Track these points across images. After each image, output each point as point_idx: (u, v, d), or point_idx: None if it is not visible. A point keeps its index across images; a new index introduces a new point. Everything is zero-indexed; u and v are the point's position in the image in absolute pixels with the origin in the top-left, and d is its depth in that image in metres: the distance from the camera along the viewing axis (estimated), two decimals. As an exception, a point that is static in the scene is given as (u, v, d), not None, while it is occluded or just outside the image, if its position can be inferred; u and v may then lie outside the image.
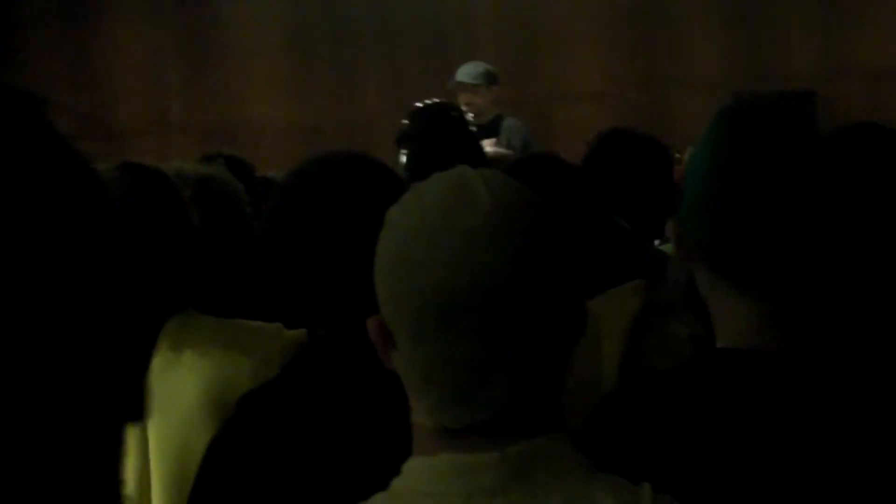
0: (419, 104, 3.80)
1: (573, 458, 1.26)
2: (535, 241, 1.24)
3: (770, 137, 1.48)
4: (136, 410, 0.80)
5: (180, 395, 2.10)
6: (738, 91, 8.33)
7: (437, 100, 3.94)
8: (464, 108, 6.43)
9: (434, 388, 1.24)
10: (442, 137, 3.59)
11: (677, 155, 6.17)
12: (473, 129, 3.74)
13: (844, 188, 1.52)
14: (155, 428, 2.15)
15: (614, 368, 2.01)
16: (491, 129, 6.31)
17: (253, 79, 9.36)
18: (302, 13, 9.26)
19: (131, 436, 2.32)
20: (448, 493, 1.24)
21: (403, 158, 3.57)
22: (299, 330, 2.23)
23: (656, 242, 3.20)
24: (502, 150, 5.85)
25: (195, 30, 9.48)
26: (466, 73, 6.63)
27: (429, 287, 1.22)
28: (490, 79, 6.62)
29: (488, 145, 6.19)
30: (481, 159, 3.64)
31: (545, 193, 1.32)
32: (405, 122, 3.66)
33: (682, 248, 1.54)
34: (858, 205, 1.67)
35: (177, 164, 2.64)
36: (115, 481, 0.78)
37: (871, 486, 1.39)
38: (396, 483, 1.29)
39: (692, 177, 1.53)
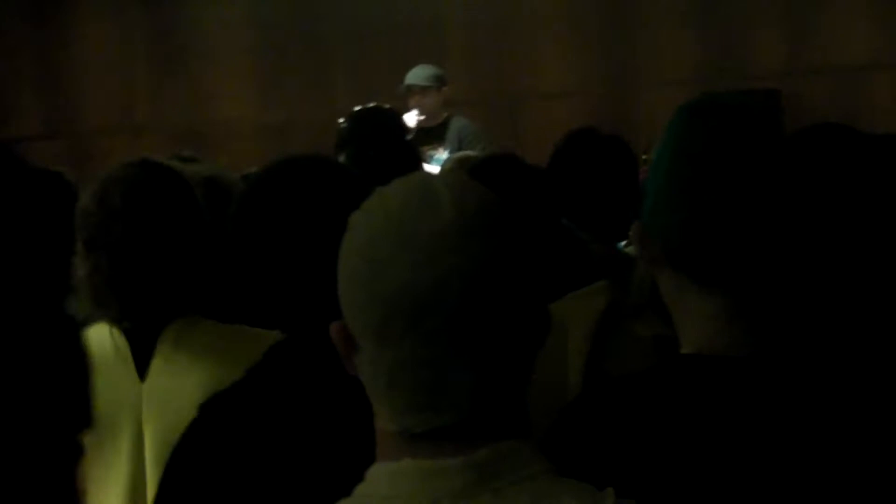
0: (356, 108, 3.82)
1: (537, 462, 1.26)
2: (498, 243, 1.24)
3: (731, 133, 1.47)
4: (83, 419, 0.81)
5: (178, 398, 2.10)
6: (706, 90, 8.37)
7: (372, 104, 3.96)
8: (415, 110, 6.49)
9: (398, 392, 1.24)
10: (377, 141, 3.61)
11: (644, 156, 6.20)
12: (409, 136, 3.77)
13: (806, 184, 1.51)
14: (152, 430, 2.15)
15: (578, 370, 2.01)
16: (442, 130, 6.39)
17: (222, 79, 9.32)
18: (272, 13, 9.24)
19: (127, 439, 2.31)
20: (412, 498, 1.24)
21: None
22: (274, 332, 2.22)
23: (622, 244, 3.21)
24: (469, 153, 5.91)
25: (163, 30, 9.44)
26: (416, 76, 6.75)
27: (393, 289, 1.21)
28: (439, 81, 6.74)
29: (442, 151, 6.24)
30: (416, 163, 3.65)
31: (505, 195, 1.32)
32: (342, 124, 3.67)
33: (646, 249, 1.53)
34: (820, 201, 1.67)
35: (172, 164, 2.63)
36: (70, 488, 0.79)
37: (839, 491, 1.39)
38: (360, 489, 1.29)
39: (653, 175, 1.52)
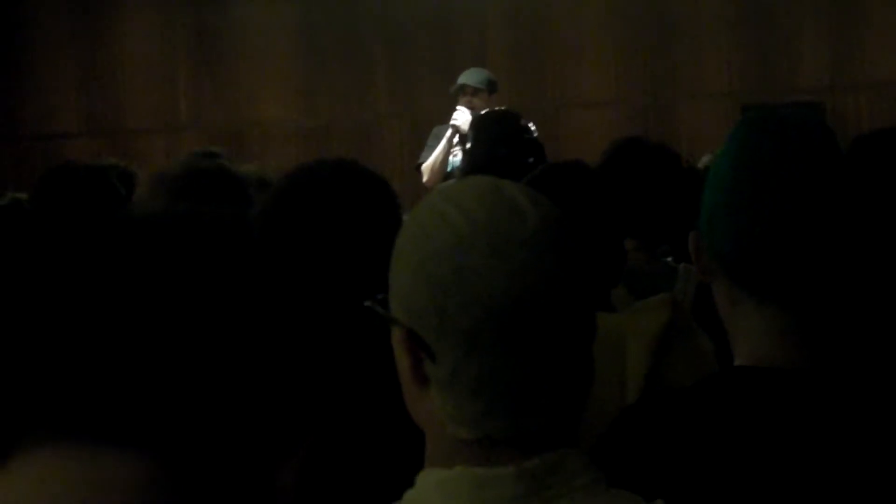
0: (484, 111, 3.88)
1: (588, 473, 1.26)
2: (574, 253, 1.26)
3: (792, 148, 1.47)
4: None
5: None
6: (747, 102, 8.33)
7: (502, 108, 4.00)
8: (465, 108, 6.56)
9: (482, 399, 1.23)
10: (503, 143, 3.63)
11: (685, 166, 6.18)
12: (530, 136, 3.79)
13: (866, 198, 1.50)
14: None
15: (638, 385, 2.00)
16: None
17: (262, 80, 9.36)
18: (312, 15, 9.27)
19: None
20: None
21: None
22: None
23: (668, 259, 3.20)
24: None
25: (205, 30, 9.49)
26: (471, 76, 6.83)
27: (487, 296, 1.21)
28: (492, 86, 6.83)
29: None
30: (543, 161, 3.65)
31: (569, 203, 1.32)
32: (469, 130, 3.73)
33: (701, 260, 1.53)
34: (880, 215, 1.66)
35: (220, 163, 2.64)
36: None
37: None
38: (410, 495, 1.28)
39: (713, 187, 1.51)
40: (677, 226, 3.01)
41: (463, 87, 6.78)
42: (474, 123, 3.73)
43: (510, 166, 3.32)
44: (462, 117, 6.47)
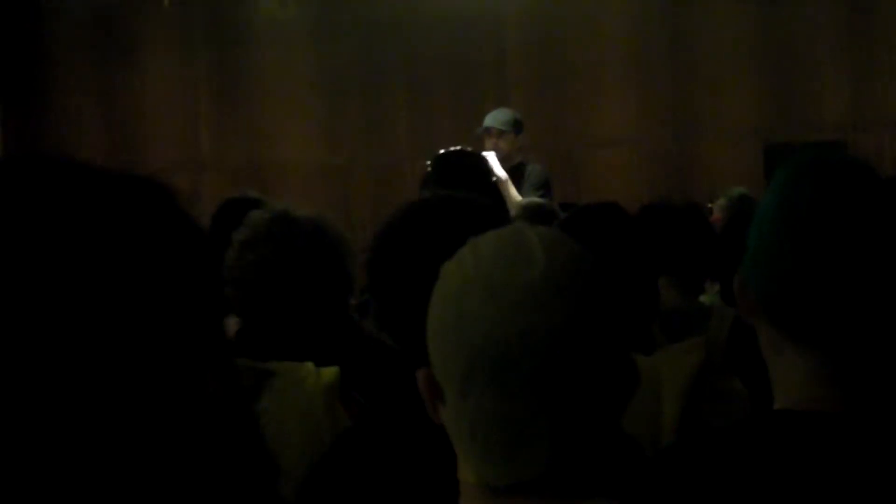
0: (442, 150, 3.83)
1: None
2: (586, 302, 1.23)
3: (836, 192, 1.46)
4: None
5: None
6: (768, 140, 8.33)
7: (459, 147, 3.95)
8: (491, 152, 6.50)
9: (479, 444, 1.23)
10: (463, 183, 3.61)
11: (709, 205, 6.18)
12: (494, 178, 3.77)
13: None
14: None
15: (672, 427, 1.99)
16: (514, 174, 6.38)
17: (283, 119, 9.40)
18: (334, 55, 9.31)
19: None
20: None
21: None
22: (332, 368, 2.23)
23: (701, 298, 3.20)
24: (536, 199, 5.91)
25: (226, 69, 9.54)
26: (496, 118, 6.73)
27: (479, 340, 1.21)
28: (517, 127, 6.73)
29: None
30: (501, 205, 3.65)
31: (602, 246, 1.31)
32: (428, 165, 3.67)
33: (745, 302, 1.52)
34: None
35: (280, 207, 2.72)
36: None
37: None
38: None
39: (758, 229, 1.51)
40: (715, 265, 3.02)
41: (488, 130, 6.71)
42: (432, 162, 3.69)
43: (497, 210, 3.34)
44: (489, 161, 6.42)
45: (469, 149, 3.91)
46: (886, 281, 1.44)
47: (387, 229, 1.83)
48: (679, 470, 1.48)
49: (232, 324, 2.52)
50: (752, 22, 8.74)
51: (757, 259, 1.50)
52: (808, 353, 1.47)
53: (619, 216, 2.51)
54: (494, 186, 3.69)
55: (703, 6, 8.82)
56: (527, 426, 1.21)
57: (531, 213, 4.50)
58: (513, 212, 4.79)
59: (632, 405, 1.27)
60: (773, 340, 1.50)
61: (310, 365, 2.20)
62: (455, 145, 4.05)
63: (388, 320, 1.76)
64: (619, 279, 1.77)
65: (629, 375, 1.27)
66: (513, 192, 6.14)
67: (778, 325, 1.48)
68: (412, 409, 1.47)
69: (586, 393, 1.22)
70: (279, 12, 9.40)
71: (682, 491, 1.44)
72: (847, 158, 1.52)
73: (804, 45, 8.66)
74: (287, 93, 9.38)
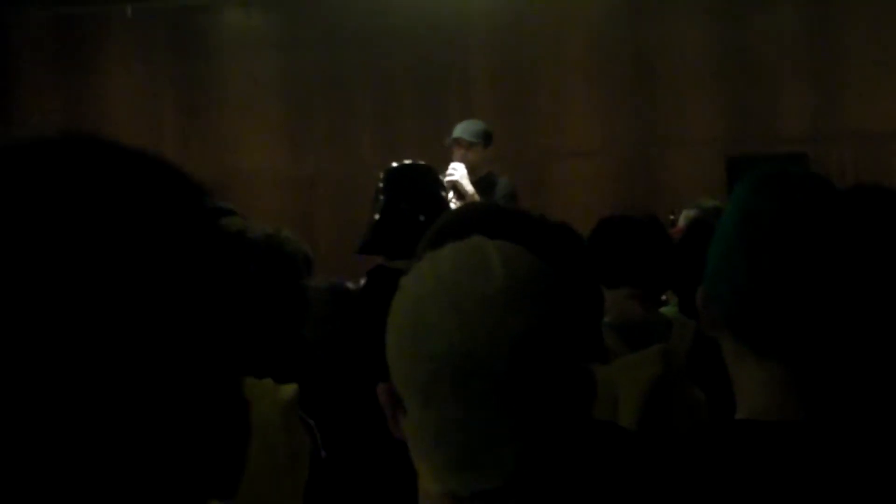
0: (393, 164, 3.83)
1: None
2: (547, 309, 1.24)
3: (794, 207, 1.48)
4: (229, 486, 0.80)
5: None
6: (731, 152, 8.38)
7: (408, 161, 3.95)
8: (459, 162, 6.50)
9: (442, 452, 1.23)
10: (410, 195, 3.62)
11: (671, 216, 6.19)
12: (444, 193, 3.77)
13: (869, 256, 1.51)
14: None
15: None
16: (481, 186, 6.40)
17: (247, 129, 9.38)
18: (297, 64, 9.31)
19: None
20: None
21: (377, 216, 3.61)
22: (291, 385, 2.23)
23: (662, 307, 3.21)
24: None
25: (190, 79, 9.51)
26: (466, 130, 6.72)
27: (442, 349, 1.21)
28: (487, 138, 6.74)
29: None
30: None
31: (550, 260, 1.33)
32: (379, 182, 3.68)
33: (707, 314, 1.53)
34: (882, 272, 1.66)
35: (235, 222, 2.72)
36: None
37: None
38: None
39: (716, 244, 1.52)
40: (675, 277, 3.03)
41: (457, 141, 6.70)
42: (384, 174, 3.70)
43: (408, 222, 3.38)
44: (458, 172, 6.41)
45: (421, 162, 3.91)
46: (847, 294, 1.46)
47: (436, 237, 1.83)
48: (637, 481, 1.48)
49: None
50: (714, 35, 8.80)
51: (719, 274, 1.51)
52: (767, 363, 1.48)
53: (567, 232, 2.53)
54: (443, 200, 3.69)
55: (665, 20, 8.87)
56: (491, 434, 1.21)
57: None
58: None
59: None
60: (735, 352, 1.51)
61: (268, 381, 2.20)
62: (419, 156, 4.05)
63: None
64: (575, 290, 1.78)
65: (588, 384, 1.28)
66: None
67: (740, 339, 1.50)
68: (367, 428, 1.47)
69: (549, 399, 1.23)
70: (243, 21, 9.39)
71: (641, 498, 1.45)
72: (807, 173, 1.54)
73: (766, 58, 8.73)
74: (251, 102, 9.36)
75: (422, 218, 3.44)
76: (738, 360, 1.51)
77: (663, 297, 3.69)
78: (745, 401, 1.51)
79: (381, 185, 3.63)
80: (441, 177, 3.87)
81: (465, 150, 6.58)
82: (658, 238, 3.04)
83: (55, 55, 9.68)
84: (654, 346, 2.18)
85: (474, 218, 1.80)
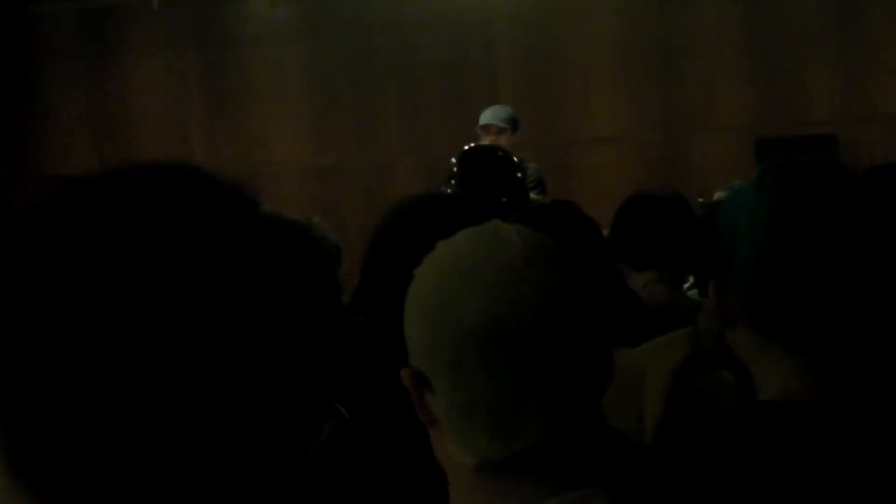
0: (467, 146, 3.79)
1: None
2: (564, 276, 1.28)
3: (813, 197, 1.47)
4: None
5: None
6: (759, 136, 8.34)
7: (484, 142, 3.92)
8: None
9: (474, 421, 1.25)
10: (492, 179, 3.57)
11: (700, 199, 6.17)
12: (520, 175, 3.70)
13: (889, 242, 1.49)
14: None
15: (657, 419, 1.99)
16: None
17: (274, 120, 9.40)
18: (324, 55, 9.31)
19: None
20: None
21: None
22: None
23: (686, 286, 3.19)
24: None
25: (216, 71, 9.53)
26: (495, 115, 6.71)
27: (468, 318, 1.24)
28: (515, 124, 6.72)
29: None
30: (527, 202, 3.60)
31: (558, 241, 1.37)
32: (453, 162, 3.63)
33: (724, 308, 1.52)
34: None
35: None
36: None
37: None
38: None
39: (735, 235, 1.51)
40: (693, 263, 3.01)
41: (486, 127, 6.67)
42: (457, 158, 3.64)
43: (490, 206, 3.32)
44: None
45: (496, 145, 3.88)
46: (870, 285, 1.44)
47: (378, 233, 1.85)
48: (670, 464, 1.48)
49: None
50: (743, 18, 8.75)
51: (737, 266, 1.50)
52: (790, 354, 1.48)
53: (573, 213, 2.52)
54: (521, 183, 3.64)
55: (693, 2, 8.83)
56: (521, 399, 1.24)
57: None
58: None
59: (616, 400, 1.30)
60: (754, 344, 1.50)
61: None
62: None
63: (380, 316, 1.77)
64: (585, 266, 1.80)
65: (605, 363, 1.30)
66: None
67: (762, 329, 1.49)
68: (396, 413, 1.48)
69: (573, 363, 1.25)
70: (269, 13, 9.40)
71: (674, 485, 1.44)
72: (821, 162, 1.53)
73: (794, 40, 8.67)
74: (277, 94, 9.37)
75: (504, 199, 3.40)
76: (758, 350, 1.50)
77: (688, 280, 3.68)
78: (766, 387, 1.51)
79: (455, 168, 3.57)
80: (516, 159, 3.80)
81: (494, 137, 6.56)
82: (684, 219, 3.02)
83: (81, 47, 9.72)
84: (682, 328, 2.17)
85: (428, 207, 1.82)
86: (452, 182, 3.55)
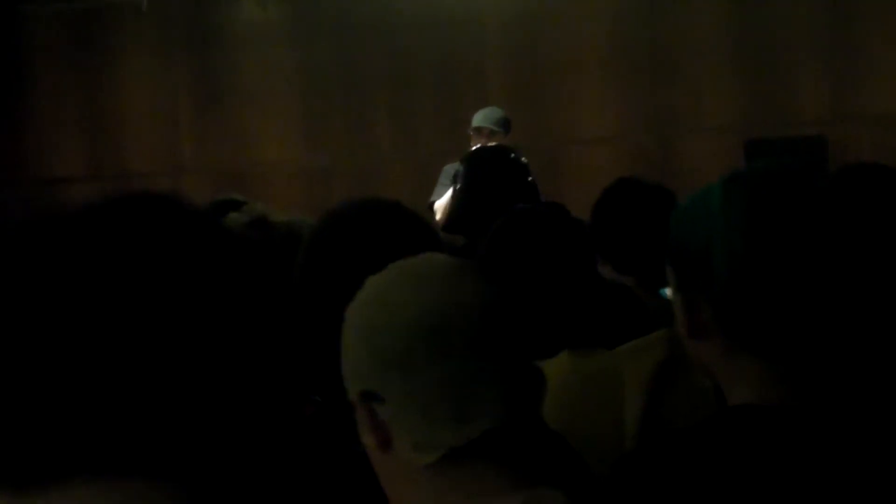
0: (475, 147, 3.78)
1: None
2: (501, 288, 1.36)
3: (787, 200, 1.45)
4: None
5: None
6: (748, 136, 8.35)
7: (494, 143, 3.91)
8: None
9: (436, 412, 1.28)
10: (501, 181, 3.54)
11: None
12: (531, 178, 3.66)
13: (865, 248, 1.48)
14: None
15: (635, 422, 1.99)
16: None
17: (265, 121, 9.40)
18: (314, 56, 9.31)
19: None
20: None
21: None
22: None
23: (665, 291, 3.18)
24: None
25: (206, 72, 9.53)
26: (487, 117, 6.70)
27: (415, 317, 1.29)
28: (507, 126, 6.72)
29: None
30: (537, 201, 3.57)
31: (544, 244, 1.44)
32: (460, 165, 3.60)
33: (693, 320, 1.49)
34: (875, 261, 1.64)
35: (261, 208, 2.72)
36: None
37: None
38: None
39: (708, 244, 1.48)
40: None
41: (479, 130, 6.66)
42: (465, 160, 3.61)
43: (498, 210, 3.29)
44: None
45: (506, 146, 3.86)
46: (845, 290, 1.43)
47: (312, 241, 1.88)
48: (644, 467, 1.48)
49: None
50: (732, 18, 8.76)
51: (717, 273, 1.46)
52: (761, 360, 1.46)
53: (561, 215, 2.52)
54: (532, 186, 3.61)
55: (682, 3, 8.84)
56: (477, 384, 1.28)
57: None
58: None
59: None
60: (723, 350, 1.47)
61: None
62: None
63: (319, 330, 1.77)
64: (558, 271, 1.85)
65: (538, 378, 1.36)
66: None
67: (734, 337, 1.46)
68: None
69: (523, 345, 1.32)
70: (258, 14, 9.39)
71: (646, 488, 1.44)
72: (784, 167, 1.51)
73: (783, 42, 8.68)
74: (267, 95, 9.37)
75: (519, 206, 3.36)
76: (728, 359, 1.47)
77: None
78: (736, 391, 1.48)
79: (465, 168, 3.53)
80: (523, 159, 3.77)
81: (486, 139, 6.55)
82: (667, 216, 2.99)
83: (71, 49, 9.70)
84: (659, 331, 2.17)
85: (360, 214, 1.84)
86: (457, 185, 3.54)
